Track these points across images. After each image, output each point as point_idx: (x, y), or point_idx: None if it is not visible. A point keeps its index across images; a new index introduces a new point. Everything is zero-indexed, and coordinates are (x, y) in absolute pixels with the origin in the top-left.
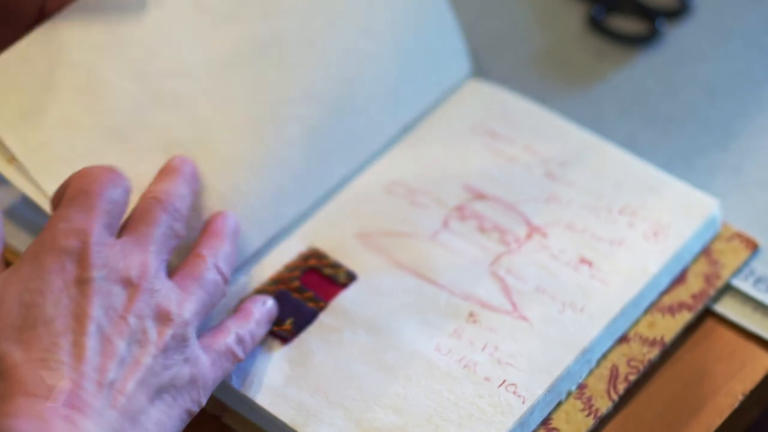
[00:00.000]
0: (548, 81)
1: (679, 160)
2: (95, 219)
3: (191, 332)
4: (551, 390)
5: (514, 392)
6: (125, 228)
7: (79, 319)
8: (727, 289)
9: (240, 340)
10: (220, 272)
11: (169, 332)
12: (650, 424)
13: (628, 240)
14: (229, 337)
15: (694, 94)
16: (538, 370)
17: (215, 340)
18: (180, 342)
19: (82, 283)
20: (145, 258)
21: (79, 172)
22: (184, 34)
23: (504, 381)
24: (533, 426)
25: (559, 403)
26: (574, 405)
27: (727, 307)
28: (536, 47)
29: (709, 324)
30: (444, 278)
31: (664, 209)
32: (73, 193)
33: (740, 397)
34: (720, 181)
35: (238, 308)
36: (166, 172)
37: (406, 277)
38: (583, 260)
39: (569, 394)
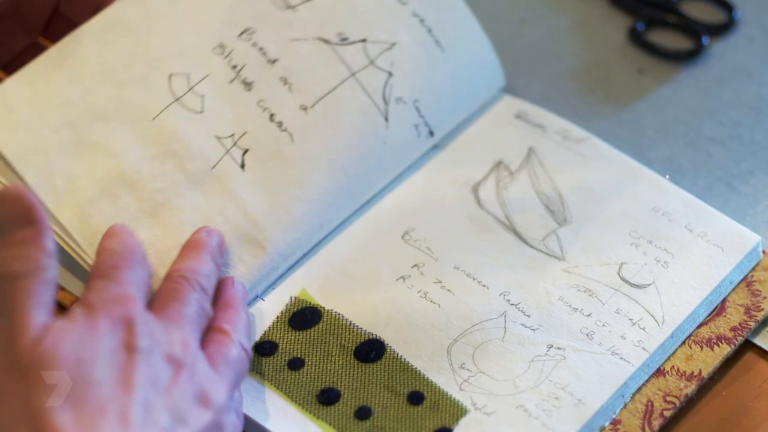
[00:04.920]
0: (588, 97)
1: (721, 184)
2: (135, 293)
3: (227, 419)
4: (585, 426)
5: (549, 428)
6: (153, 306)
7: (127, 385)
8: None
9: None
10: (244, 349)
11: (208, 417)
12: None
13: (665, 275)
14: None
15: (738, 114)
16: (572, 405)
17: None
18: (216, 429)
19: (130, 350)
20: (185, 336)
21: (108, 240)
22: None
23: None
24: None
25: None
26: None
27: (767, 341)
28: (576, 62)
29: (749, 357)
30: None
31: (704, 244)
32: (105, 266)
33: None
34: (763, 208)
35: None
36: (192, 247)
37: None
38: (619, 293)
39: (602, 430)
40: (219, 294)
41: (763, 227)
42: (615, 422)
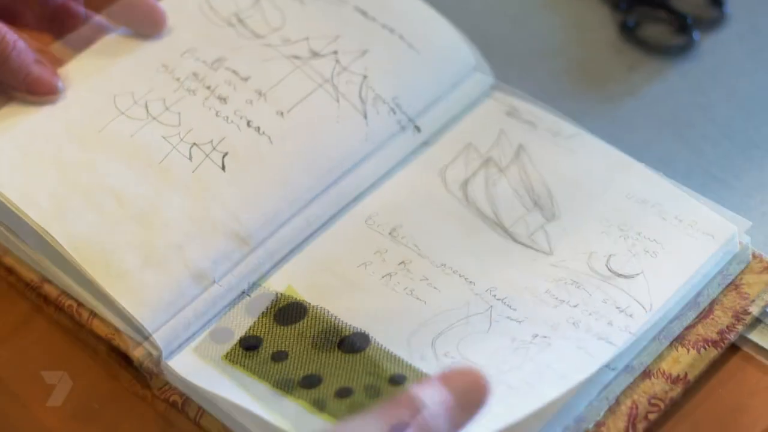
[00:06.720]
0: (579, 95)
1: (713, 180)
2: None
3: None
4: (567, 429)
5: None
6: None
7: None
8: (758, 322)
9: None
10: None
11: None
12: None
13: (653, 266)
14: None
15: (730, 109)
16: (555, 378)
17: None
18: None
19: None
20: None
21: None
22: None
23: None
24: None
25: None
26: None
27: (756, 343)
28: (568, 59)
29: (737, 360)
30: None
31: (694, 234)
32: None
33: None
34: (756, 203)
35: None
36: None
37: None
38: (607, 284)
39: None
40: None
41: (756, 223)
42: (599, 425)
